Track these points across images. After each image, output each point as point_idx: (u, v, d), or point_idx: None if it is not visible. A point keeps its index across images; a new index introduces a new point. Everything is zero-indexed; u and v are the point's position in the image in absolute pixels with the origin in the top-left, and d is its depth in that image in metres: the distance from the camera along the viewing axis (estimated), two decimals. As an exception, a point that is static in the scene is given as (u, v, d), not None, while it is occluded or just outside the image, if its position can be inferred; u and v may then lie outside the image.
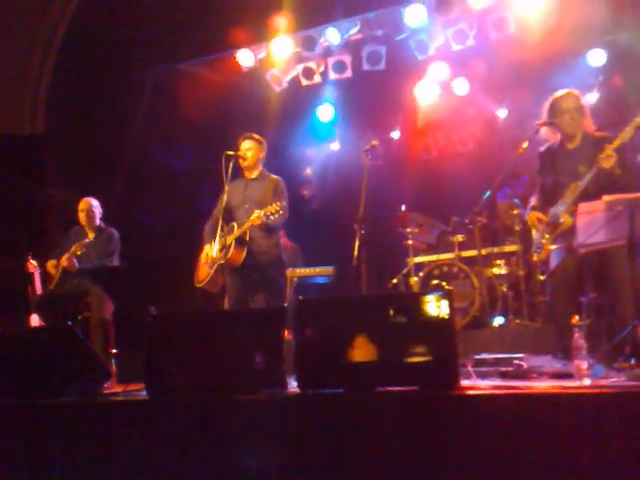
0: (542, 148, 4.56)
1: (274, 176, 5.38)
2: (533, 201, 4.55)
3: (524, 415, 2.74)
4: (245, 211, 5.22)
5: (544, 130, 4.50)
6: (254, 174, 5.41)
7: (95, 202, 6.15)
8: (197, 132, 7.72)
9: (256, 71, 8.01)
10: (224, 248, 5.15)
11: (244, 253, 5.12)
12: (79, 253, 5.70)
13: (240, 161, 5.33)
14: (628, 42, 6.84)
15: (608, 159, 3.99)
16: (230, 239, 5.13)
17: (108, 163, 7.78)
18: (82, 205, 6.10)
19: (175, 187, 7.85)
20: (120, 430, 3.43)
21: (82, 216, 6.08)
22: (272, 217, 4.91)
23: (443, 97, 8.06)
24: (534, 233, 4.50)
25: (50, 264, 5.90)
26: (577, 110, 4.33)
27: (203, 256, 5.38)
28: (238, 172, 5.44)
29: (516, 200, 6.40)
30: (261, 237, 5.20)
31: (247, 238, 5.14)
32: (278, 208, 4.88)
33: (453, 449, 2.81)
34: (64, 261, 5.71)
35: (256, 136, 5.41)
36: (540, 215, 4.37)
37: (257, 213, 4.94)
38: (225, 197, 5.24)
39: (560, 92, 4.44)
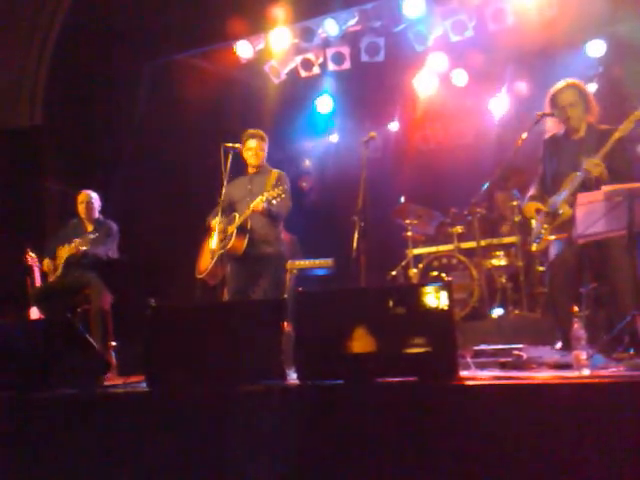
0: (547, 136, 4.55)
1: (275, 170, 5.41)
2: (531, 191, 4.55)
3: (523, 405, 2.75)
4: (247, 204, 5.23)
5: (549, 121, 4.50)
6: (257, 169, 5.44)
7: (94, 195, 6.16)
8: (195, 124, 7.70)
9: (254, 63, 7.98)
10: (225, 238, 5.17)
11: (245, 242, 5.13)
12: (84, 248, 5.66)
13: (248, 159, 5.37)
14: (628, 33, 6.82)
15: (596, 167, 4.02)
16: (232, 228, 5.15)
17: (106, 155, 7.77)
18: (81, 197, 6.11)
19: (173, 179, 7.83)
20: (120, 422, 3.43)
21: (81, 208, 6.08)
22: (274, 201, 4.92)
23: (442, 88, 8.05)
24: (533, 223, 4.50)
25: (45, 264, 5.90)
26: (577, 103, 4.32)
27: (205, 247, 5.40)
28: (241, 167, 5.45)
29: (515, 191, 6.40)
30: (262, 227, 5.22)
31: (248, 227, 5.15)
32: (280, 192, 4.89)
33: (453, 440, 2.82)
34: (73, 248, 5.67)
35: (261, 133, 5.44)
36: (539, 205, 4.37)
37: (259, 199, 4.97)
38: (224, 189, 5.25)
39: (560, 84, 4.41)
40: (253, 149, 5.37)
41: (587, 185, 4.06)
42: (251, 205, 5.04)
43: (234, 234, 5.12)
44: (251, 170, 5.46)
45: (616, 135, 4.03)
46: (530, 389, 2.82)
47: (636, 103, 4.17)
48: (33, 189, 7.63)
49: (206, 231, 5.49)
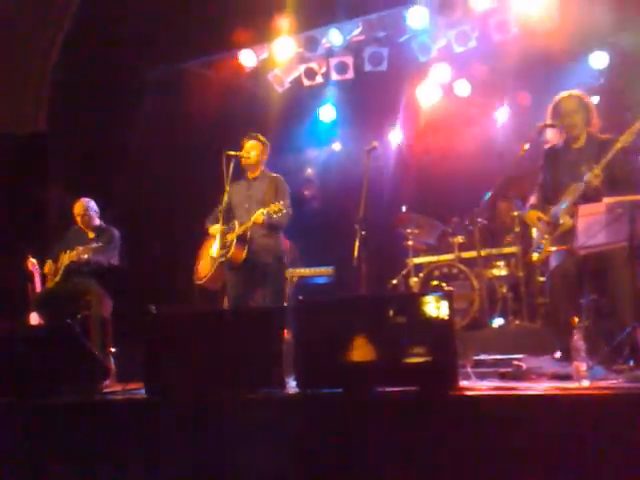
0: (547, 146, 4.56)
1: (274, 174, 5.41)
2: (532, 200, 4.55)
3: (523, 416, 2.75)
4: (246, 210, 5.23)
5: (549, 132, 4.51)
6: (255, 174, 5.43)
7: (90, 204, 6.05)
8: (199, 132, 7.72)
9: (258, 71, 8.02)
10: (225, 246, 5.16)
11: (245, 252, 5.13)
12: (86, 257, 5.65)
13: (243, 160, 5.35)
14: (631, 45, 6.83)
15: (596, 178, 4.03)
16: (231, 237, 5.15)
17: (110, 161, 7.78)
18: (77, 209, 6.03)
19: (176, 186, 7.85)
20: (119, 429, 3.43)
21: (78, 220, 6.04)
22: (275, 215, 4.93)
23: (445, 99, 8.06)
24: (534, 233, 4.50)
25: (47, 266, 5.90)
26: (578, 111, 4.33)
27: (204, 254, 5.40)
28: (240, 173, 5.45)
29: (517, 201, 6.40)
30: (262, 236, 5.21)
31: (248, 237, 5.15)
32: (281, 207, 4.90)
33: (452, 449, 2.81)
34: (74, 255, 5.67)
35: (261, 137, 5.45)
36: (540, 214, 4.37)
37: (260, 212, 4.96)
38: (226, 197, 5.25)
39: (562, 94, 4.44)
40: (247, 149, 5.37)
41: (587, 196, 4.06)
42: (252, 218, 5.03)
43: (234, 243, 5.12)
44: (250, 175, 5.46)
45: (617, 145, 4.04)
46: (530, 400, 2.82)
47: (638, 114, 4.16)
48: (36, 194, 7.64)
49: (204, 236, 5.49)
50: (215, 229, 5.27)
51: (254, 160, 5.37)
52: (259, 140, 5.42)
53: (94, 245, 5.66)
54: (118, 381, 4.96)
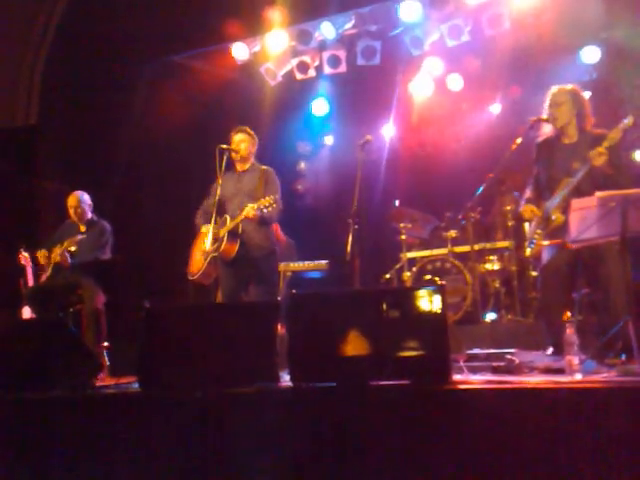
0: (539, 139, 4.55)
1: (264, 167, 5.39)
2: (528, 193, 4.55)
3: (515, 410, 2.76)
4: (237, 204, 5.21)
5: (545, 126, 4.50)
6: (245, 166, 5.42)
7: (84, 197, 6.05)
8: (191, 125, 7.70)
9: (251, 65, 8.00)
10: (217, 241, 5.15)
11: (237, 246, 5.11)
12: (72, 249, 5.65)
13: (233, 154, 5.34)
14: (623, 39, 6.85)
15: (600, 156, 4.00)
16: (223, 232, 5.13)
17: (102, 155, 7.76)
18: (70, 202, 6.01)
19: (169, 180, 7.83)
20: (112, 423, 3.43)
21: (71, 212, 6.02)
22: (266, 210, 4.92)
23: (437, 93, 8.07)
24: (527, 228, 4.50)
25: (41, 254, 5.87)
26: (564, 104, 4.32)
27: (196, 249, 5.39)
28: (230, 165, 5.44)
29: (516, 193, 6.39)
30: (254, 230, 5.20)
31: (240, 231, 5.14)
32: (272, 201, 4.88)
33: (445, 443, 2.82)
34: (57, 256, 5.68)
35: (249, 130, 5.44)
36: (534, 209, 4.37)
37: (250, 206, 4.94)
38: (219, 190, 5.23)
39: (554, 87, 4.45)
40: (236, 142, 5.37)
41: (580, 191, 4.05)
42: (243, 212, 5.00)
43: (225, 238, 5.10)
44: (239, 167, 5.44)
45: (605, 144, 4.03)
46: (522, 393, 2.83)
47: (628, 111, 4.16)
48: (27, 188, 7.61)
49: (195, 232, 5.48)
50: (207, 227, 5.25)
51: (244, 153, 5.36)
52: (247, 133, 5.42)
53: (78, 237, 5.65)
54: (111, 375, 4.95)
